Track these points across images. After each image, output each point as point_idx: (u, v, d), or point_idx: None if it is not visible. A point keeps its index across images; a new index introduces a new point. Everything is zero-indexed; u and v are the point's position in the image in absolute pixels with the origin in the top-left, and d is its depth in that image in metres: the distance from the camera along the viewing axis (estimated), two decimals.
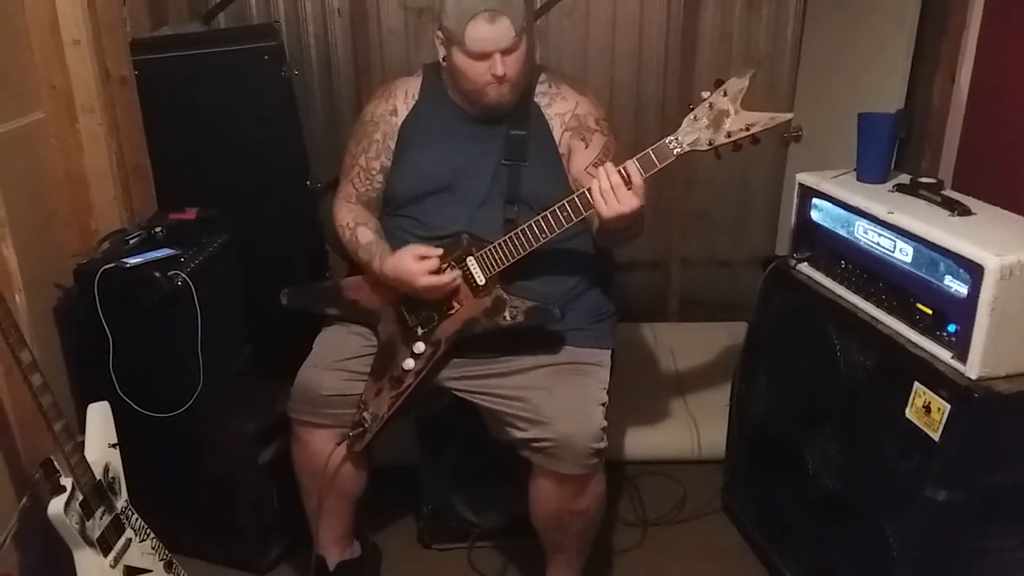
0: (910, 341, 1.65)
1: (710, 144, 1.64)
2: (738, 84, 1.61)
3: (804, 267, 2.01)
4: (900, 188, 1.86)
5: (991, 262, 1.46)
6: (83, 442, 1.69)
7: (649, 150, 1.65)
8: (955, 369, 1.54)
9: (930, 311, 1.62)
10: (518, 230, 1.77)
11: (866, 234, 1.80)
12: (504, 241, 1.78)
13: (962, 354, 1.53)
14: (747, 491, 2.27)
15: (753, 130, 1.62)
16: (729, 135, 1.62)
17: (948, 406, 1.51)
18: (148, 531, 1.83)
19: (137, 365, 1.94)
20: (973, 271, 1.50)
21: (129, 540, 1.75)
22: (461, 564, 2.19)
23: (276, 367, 2.05)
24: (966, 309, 1.52)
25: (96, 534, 1.65)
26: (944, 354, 1.57)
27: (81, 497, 1.62)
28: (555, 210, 1.73)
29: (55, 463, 1.61)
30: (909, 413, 1.59)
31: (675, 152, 1.64)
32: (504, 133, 1.89)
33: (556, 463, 1.77)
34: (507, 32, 1.75)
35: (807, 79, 2.84)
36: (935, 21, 2.11)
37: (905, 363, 1.63)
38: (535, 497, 1.87)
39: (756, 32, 2.94)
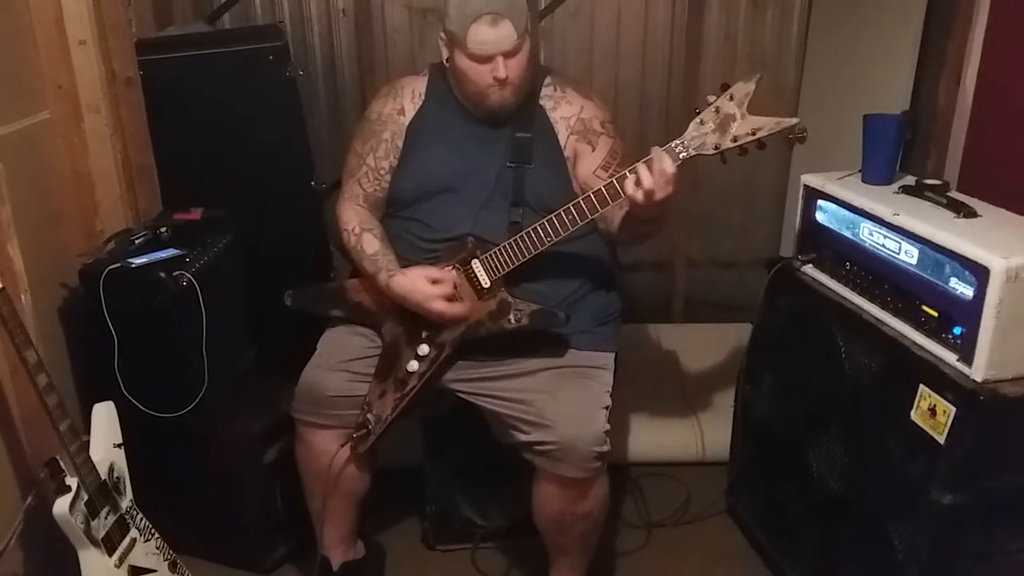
0: (915, 343, 1.65)
1: (716, 148, 1.63)
2: (744, 88, 1.60)
3: (809, 268, 2.01)
4: (905, 190, 1.85)
5: (997, 264, 1.46)
6: (88, 442, 1.70)
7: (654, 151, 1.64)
8: (961, 372, 1.54)
9: (936, 313, 1.61)
10: (524, 232, 1.76)
11: (871, 236, 1.80)
12: (510, 244, 1.78)
13: (968, 356, 1.53)
14: (751, 493, 2.26)
15: (759, 135, 1.61)
16: (735, 139, 1.62)
17: (954, 409, 1.51)
18: (153, 531, 1.84)
19: (142, 365, 1.95)
20: (979, 273, 1.50)
21: (134, 540, 1.75)
22: (465, 565, 2.19)
23: (280, 367, 2.05)
24: (972, 311, 1.51)
25: (101, 534, 1.65)
26: (950, 356, 1.57)
27: (86, 497, 1.62)
28: (561, 213, 1.73)
29: (60, 463, 1.61)
30: (914, 416, 1.59)
31: (681, 156, 1.64)
32: (509, 135, 1.89)
33: (559, 466, 1.77)
34: (510, 35, 1.75)
35: (812, 80, 2.83)
36: (941, 22, 2.10)
37: (910, 365, 1.62)
38: (538, 500, 1.87)
39: (761, 33, 2.93)
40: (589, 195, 1.70)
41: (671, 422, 2.61)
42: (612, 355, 1.96)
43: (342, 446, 1.92)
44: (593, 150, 1.89)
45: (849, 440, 1.81)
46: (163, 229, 2.06)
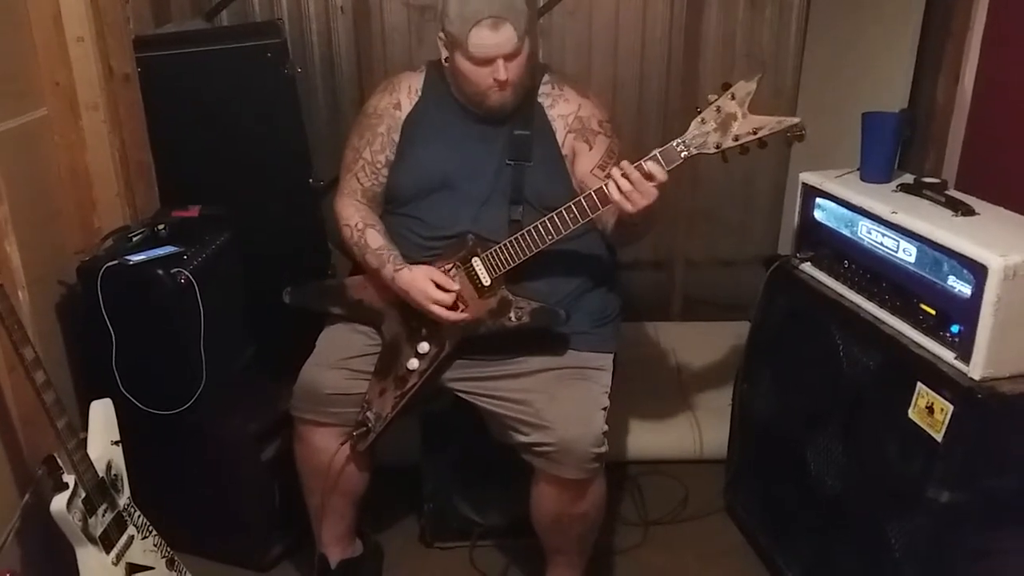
0: (913, 341, 1.65)
1: (717, 147, 1.63)
2: (746, 88, 1.61)
3: (807, 267, 2.01)
4: (904, 188, 1.85)
5: (995, 262, 1.46)
6: (86, 439, 1.70)
7: (656, 152, 1.64)
8: (958, 370, 1.54)
9: (933, 311, 1.61)
10: (525, 231, 1.76)
11: (869, 234, 1.80)
12: (510, 242, 1.78)
13: (965, 355, 1.53)
14: (749, 491, 2.27)
15: (760, 134, 1.61)
16: (736, 139, 1.62)
17: (951, 407, 1.51)
18: (150, 528, 1.83)
19: (140, 362, 1.95)
20: (977, 271, 1.50)
21: (131, 537, 1.75)
22: (463, 563, 2.19)
23: (279, 365, 2.05)
24: (970, 309, 1.51)
25: (98, 531, 1.65)
26: (947, 355, 1.57)
27: (84, 494, 1.62)
28: (562, 211, 1.73)
29: (58, 460, 1.61)
30: (912, 414, 1.59)
31: (682, 155, 1.64)
32: (508, 133, 1.89)
33: (557, 467, 1.77)
34: (510, 38, 1.75)
35: (810, 78, 2.84)
36: (939, 21, 2.10)
37: (908, 364, 1.63)
38: (536, 500, 1.87)
39: (759, 31, 2.94)
40: (590, 193, 1.70)
41: (669, 420, 2.61)
42: (611, 356, 1.96)
43: (342, 444, 1.92)
44: (590, 149, 1.89)
45: (847, 438, 1.81)
46: (161, 226, 2.06)
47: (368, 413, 1.88)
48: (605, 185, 1.67)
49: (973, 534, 1.58)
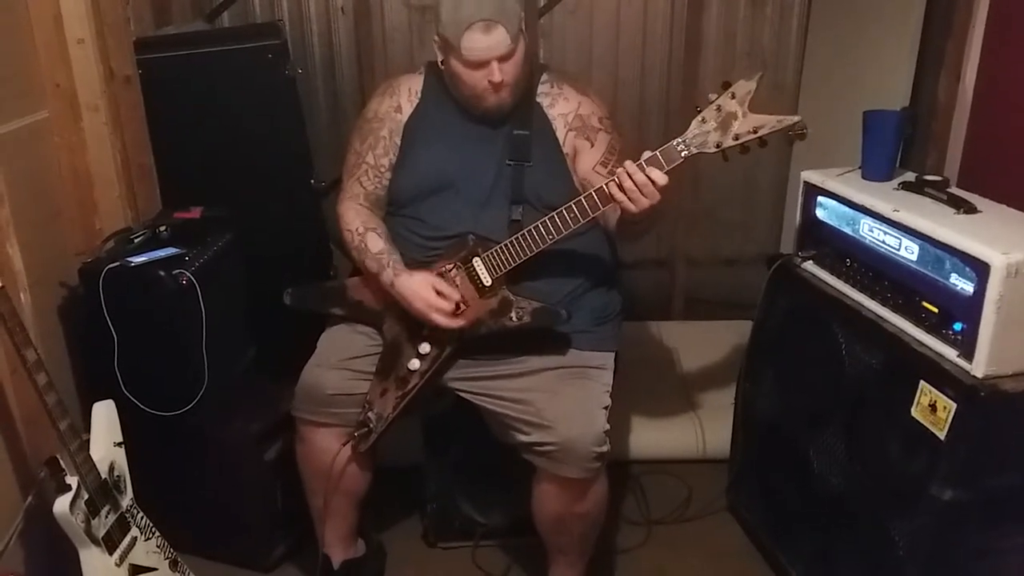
0: (916, 340, 1.65)
1: (717, 147, 1.63)
2: (746, 87, 1.60)
3: (809, 265, 2.01)
4: (905, 186, 1.85)
5: (997, 260, 1.46)
6: (88, 440, 1.70)
7: (656, 152, 1.64)
8: (961, 368, 1.54)
9: (936, 309, 1.61)
10: (525, 231, 1.76)
11: (871, 232, 1.80)
12: (511, 242, 1.78)
13: (968, 353, 1.53)
14: (752, 490, 2.26)
15: (761, 133, 1.61)
16: (736, 137, 1.62)
17: (954, 405, 1.51)
18: (153, 529, 1.83)
19: (142, 364, 1.95)
20: (979, 269, 1.50)
21: (134, 538, 1.75)
22: (465, 563, 2.19)
23: (280, 366, 2.05)
24: (972, 307, 1.51)
25: (101, 532, 1.65)
26: (950, 352, 1.57)
27: (86, 495, 1.62)
28: (563, 211, 1.73)
29: (60, 461, 1.61)
30: (915, 412, 1.59)
31: (682, 154, 1.64)
32: (507, 133, 1.89)
33: (559, 467, 1.77)
34: (503, 40, 1.75)
35: (811, 77, 2.83)
36: (941, 18, 2.10)
37: (911, 362, 1.62)
38: (537, 500, 1.87)
39: (760, 30, 2.93)
40: (591, 193, 1.70)
41: (671, 419, 2.61)
42: (612, 355, 1.96)
43: (344, 445, 1.92)
44: (592, 146, 1.89)
45: (849, 437, 1.81)
46: (162, 228, 2.06)
47: (369, 414, 1.88)
48: (606, 185, 1.67)
49: (976, 532, 1.58)
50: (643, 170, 1.62)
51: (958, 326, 1.56)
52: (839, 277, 1.90)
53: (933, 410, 1.55)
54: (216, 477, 2.08)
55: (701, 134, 1.63)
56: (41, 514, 1.72)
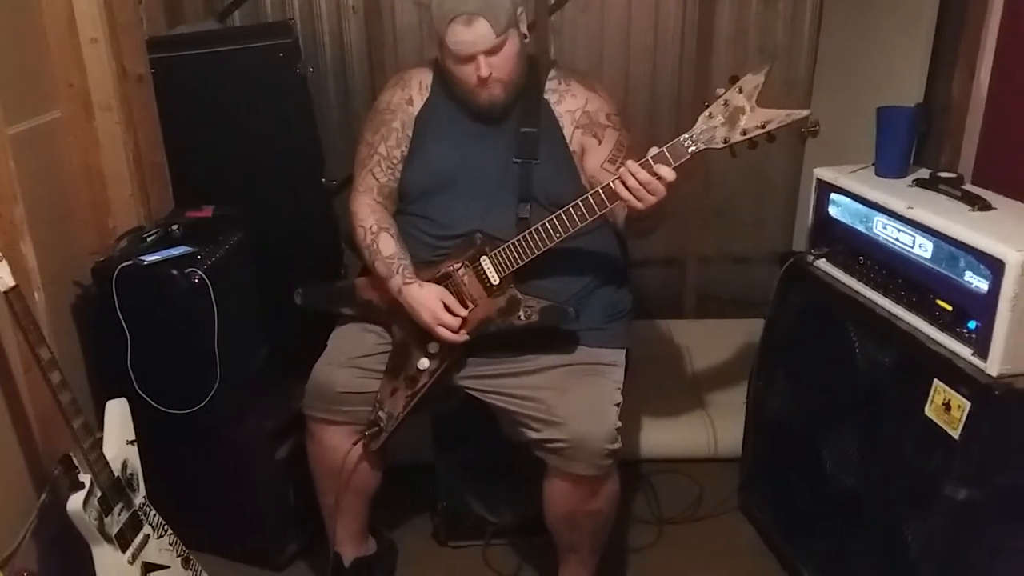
0: (930, 338, 1.64)
1: (725, 142, 1.62)
2: (753, 80, 1.59)
3: (822, 263, 2.00)
4: (919, 183, 1.84)
5: (1012, 257, 1.44)
6: (101, 439, 1.71)
7: (664, 148, 1.63)
8: (975, 366, 1.52)
9: (950, 307, 1.60)
10: (532, 229, 1.76)
11: (885, 229, 1.78)
12: (518, 240, 1.78)
13: (982, 351, 1.51)
14: (764, 489, 2.25)
15: (769, 127, 1.59)
16: (745, 132, 1.60)
17: (968, 404, 1.49)
18: (166, 527, 1.84)
19: (155, 362, 1.96)
20: (994, 267, 1.48)
21: (147, 536, 1.76)
22: (476, 561, 2.19)
23: (292, 364, 2.06)
24: (987, 305, 1.50)
25: (114, 530, 1.66)
26: (964, 351, 1.56)
27: (100, 493, 1.63)
28: (570, 209, 1.72)
29: (74, 459, 1.62)
30: (928, 411, 1.58)
31: (690, 151, 1.63)
32: (514, 130, 1.88)
33: (570, 464, 1.77)
34: (486, 34, 1.74)
35: (824, 73, 2.81)
36: (955, 14, 2.08)
37: (925, 360, 1.61)
38: (549, 497, 1.87)
39: (773, 26, 2.91)
40: (598, 190, 1.69)
41: (683, 418, 2.61)
42: (623, 352, 1.96)
43: (354, 444, 1.92)
44: (600, 143, 1.88)
45: (863, 436, 1.80)
46: (175, 227, 2.07)
47: (380, 413, 1.88)
48: (613, 182, 1.66)
49: (990, 532, 1.57)
50: (649, 167, 1.61)
51: (972, 324, 1.54)
52: (852, 275, 1.89)
53: (947, 409, 1.53)
54: (228, 475, 2.09)
55: (708, 129, 1.62)
56: (55, 511, 1.73)
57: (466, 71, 1.79)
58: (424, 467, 2.24)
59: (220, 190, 2.25)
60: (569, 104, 1.91)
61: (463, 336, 1.82)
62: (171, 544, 1.84)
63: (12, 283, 1.54)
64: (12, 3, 1.83)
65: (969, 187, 1.78)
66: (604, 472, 1.78)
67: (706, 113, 1.62)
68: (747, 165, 3.03)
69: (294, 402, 2.02)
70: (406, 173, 1.94)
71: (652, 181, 1.61)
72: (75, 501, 1.57)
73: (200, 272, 1.92)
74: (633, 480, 2.43)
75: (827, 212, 1.98)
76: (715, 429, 2.55)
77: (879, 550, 1.74)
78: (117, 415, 1.76)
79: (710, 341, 2.93)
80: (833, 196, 1.96)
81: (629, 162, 1.63)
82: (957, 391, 1.52)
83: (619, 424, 1.77)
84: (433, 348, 1.87)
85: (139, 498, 1.78)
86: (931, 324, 1.64)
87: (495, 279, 1.83)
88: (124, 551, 1.68)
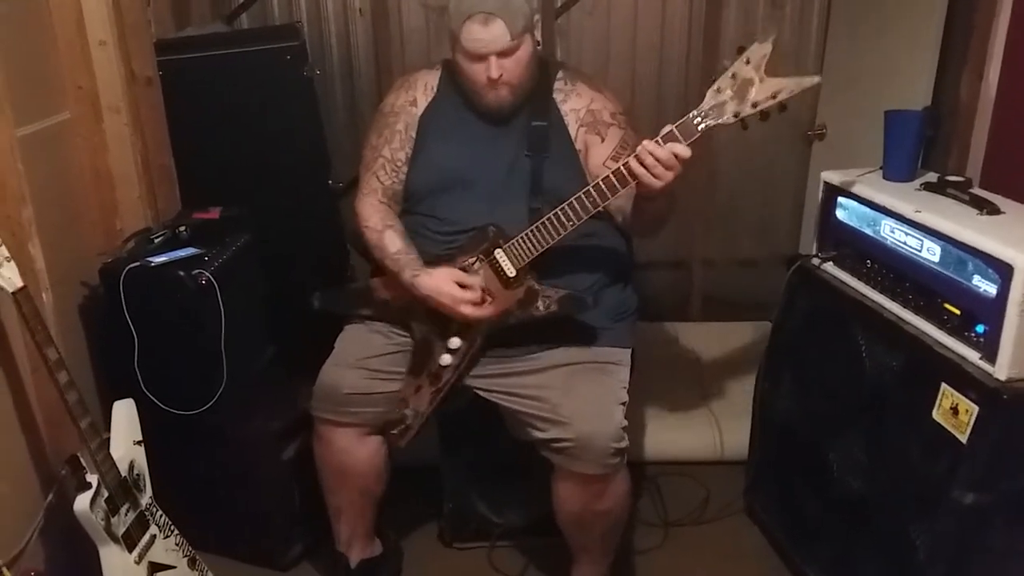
0: (937, 342, 1.63)
1: (736, 116, 1.58)
2: (761, 50, 1.55)
3: (829, 266, 1.99)
4: (927, 187, 1.84)
5: (1021, 261, 1.44)
6: (108, 439, 1.71)
7: (673, 127, 1.60)
8: (983, 370, 1.52)
9: (958, 311, 1.59)
10: (545, 219, 1.75)
11: (893, 233, 1.78)
12: (532, 231, 1.77)
13: (991, 355, 1.51)
14: (770, 492, 2.25)
15: (780, 97, 1.55)
16: (755, 104, 1.56)
17: (976, 408, 1.49)
18: (172, 528, 1.85)
19: (161, 363, 1.96)
20: (1002, 271, 1.48)
21: (153, 536, 1.77)
22: (482, 563, 2.19)
23: (298, 365, 2.06)
24: (995, 309, 1.49)
25: (121, 530, 1.67)
26: (972, 355, 1.55)
27: (106, 494, 1.63)
28: (581, 196, 1.70)
29: (81, 460, 1.63)
30: (936, 415, 1.57)
31: (699, 128, 1.59)
32: (525, 125, 1.89)
33: (576, 463, 1.77)
34: (502, 35, 1.74)
35: (832, 76, 2.80)
36: (963, 16, 2.08)
37: (932, 364, 1.61)
38: (558, 498, 1.87)
39: (780, 28, 2.91)
40: (609, 175, 1.67)
41: (689, 421, 2.60)
42: (628, 351, 1.96)
43: (382, 445, 1.93)
44: (602, 141, 1.88)
45: (870, 439, 1.79)
46: (182, 228, 2.08)
47: (406, 411, 1.88)
48: (628, 162, 1.63)
49: (998, 536, 1.56)
50: (663, 144, 1.59)
51: (980, 328, 1.54)
52: (859, 278, 1.89)
53: (955, 413, 1.53)
54: (234, 476, 2.10)
55: (718, 105, 1.58)
56: (62, 512, 1.73)
57: (477, 69, 1.79)
58: (430, 468, 2.24)
59: (227, 192, 2.26)
60: (574, 103, 1.91)
61: (488, 310, 1.81)
62: (177, 544, 1.85)
63: (20, 284, 1.55)
64: (21, 5, 1.84)
65: (977, 191, 1.78)
66: (611, 471, 1.78)
67: (714, 88, 1.58)
68: (753, 168, 3.03)
69: (300, 403, 2.02)
70: (412, 173, 1.95)
71: (670, 158, 1.58)
72: (82, 501, 1.58)
73: (207, 273, 1.93)
74: (639, 482, 2.42)
75: (834, 215, 1.98)
76: (721, 432, 2.54)
77: (886, 554, 1.73)
78: (124, 415, 1.77)
79: (716, 344, 2.92)
80: (840, 199, 1.95)
81: (646, 140, 1.61)
82: (965, 395, 1.51)
83: (625, 423, 1.77)
84: (454, 344, 1.87)
85: (146, 498, 1.78)
86: (939, 328, 1.64)
87: (511, 271, 1.82)
88: (131, 551, 1.69)
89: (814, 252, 2.04)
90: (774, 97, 1.56)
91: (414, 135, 1.94)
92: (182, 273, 1.92)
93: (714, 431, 2.55)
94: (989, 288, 1.51)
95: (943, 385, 1.56)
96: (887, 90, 2.33)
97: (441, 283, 1.80)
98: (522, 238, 1.79)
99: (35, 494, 1.78)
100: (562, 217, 1.73)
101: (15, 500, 1.71)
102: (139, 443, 1.79)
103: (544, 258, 1.79)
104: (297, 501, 2.15)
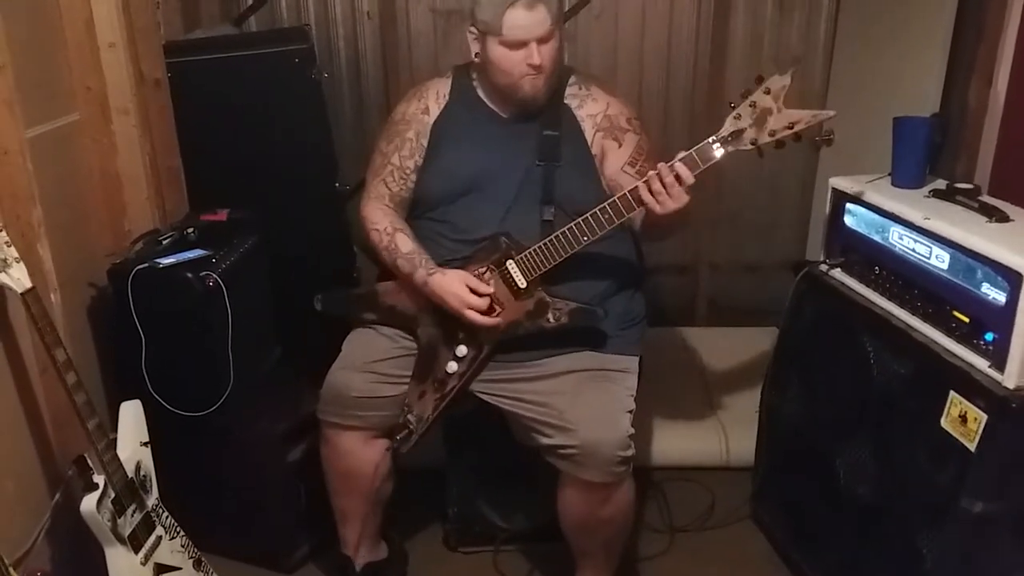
0: (946, 349, 1.62)
1: (753, 144, 1.62)
2: (780, 82, 1.59)
3: (837, 273, 1.99)
4: (936, 194, 1.83)
5: None
6: (115, 440, 1.71)
7: (692, 151, 1.64)
8: (992, 378, 1.51)
9: (967, 319, 1.59)
10: (559, 232, 1.76)
11: (901, 240, 1.77)
12: (545, 244, 1.78)
13: (999, 363, 1.50)
14: (776, 499, 2.24)
15: (796, 128, 1.60)
16: (772, 133, 1.61)
17: (985, 416, 1.48)
18: (178, 529, 1.85)
19: (169, 364, 1.97)
20: (1011, 278, 1.47)
21: (159, 538, 1.77)
22: (486, 568, 2.19)
23: (305, 367, 2.06)
24: (1004, 317, 1.49)
25: (127, 531, 1.67)
26: (981, 363, 1.55)
27: (113, 494, 1.64)
28: (596, 212, 1.72)
29: (88, 460, 1.63)
30: (944, 423, 1.57)
31: (718, 153, 1.63)
32: (536, 134, 1.89)
33: (582, 470, 1.76)
34: (544, 19, 1.76)
35: (840, 82, 2.81)
36: (972, 23, 2.07)
37: (941, 372, 1.60)
38: (563, 504, 1.86)
39: (787, 35, 2.91)
40: (625, 194, 1.69)
41: (695, 426, 2.60)
42: (636, 359, 1.95)
43: (387, 450, 1.93)
44: (620, 146, 1.89)
45: (877, 447, 1.78)
46: (190, 230, 2.08)
47: (409, 416, 1.88)
48: (640, 185, 1.66)
49: (1006, 545, 1.55)
50: (671, 170, 1.62)
51: (989, 336, 1.53)
52: (868, 285, 1.88)
53: (963, 421, 1.52)
54: (240, 477, 2.10)
55: (736, 131, 1.62)
56: (68, 512, 1.74)
57: (515, 58, 1.79)
58: (435, 472, 2.24)
59: (235, 194, 2.27)
60: (591, 108, 1.92)
61: (495, 320, 1.81)
62: (183, 546, 1.85)
63: (29, 284, 1.55)
64: (31, 7, 1.85)
65: (986, 198, 1.77)
66: (617, 479, 1.78)
67: (733, 115, 1.62)
68: (760, 174, 3.03)
69: (306, 405, 2.02)
70: (424, 180, 1.95)
71: (674, 185, 1.62)
72: (89, 502, 1.58)
73: (215, 275, 1.93)
74: (645, 488, 2.41)
75: (842, 222, 1.97)
76: (727, 437, 2.54)
77: (893, 562, 1.72)
78: (131, 416, 1.77)
79: (722, 349, 2.92)
80: (849, 206, 1.95)
81: (661, 164, 1.64)
82: (974, 403, 1.51)
83: (632, 431, 1.77)
84: (461, 351, 1.87)
85: (152, 499, 1.78)
86: (947, 336, 1.63)
87: (522, 283, 1.82)
88: (137, 552, 1.69)
89: (822, 258, 2.04)
90: (791, 127, 1.60)
91: (425, 143, 1.94)
92: (190, 275, 1.92)
93: (720, 437, 2.54)
94: (998, 296, 1.51)
95: (951, 393, 1.55)
96: (895, 96, 2.33)
97: (452, 284, 1.80)
98: (534, 250, 1.79)
99: (42, 494, 1.78)
100: (576, 232, 1.74)
101: (22, 500, 1.71)
102: (146, 444, 1.79)
103: (561, 264, 1.79)
104: (303, 503, 2.15)
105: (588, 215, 1.73)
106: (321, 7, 2.89)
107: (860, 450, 1.83)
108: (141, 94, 2.15)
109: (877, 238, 1.85)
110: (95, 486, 1.60)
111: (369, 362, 1.92)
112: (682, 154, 1.64)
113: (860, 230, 1.92)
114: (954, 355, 1.60)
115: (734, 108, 1.62)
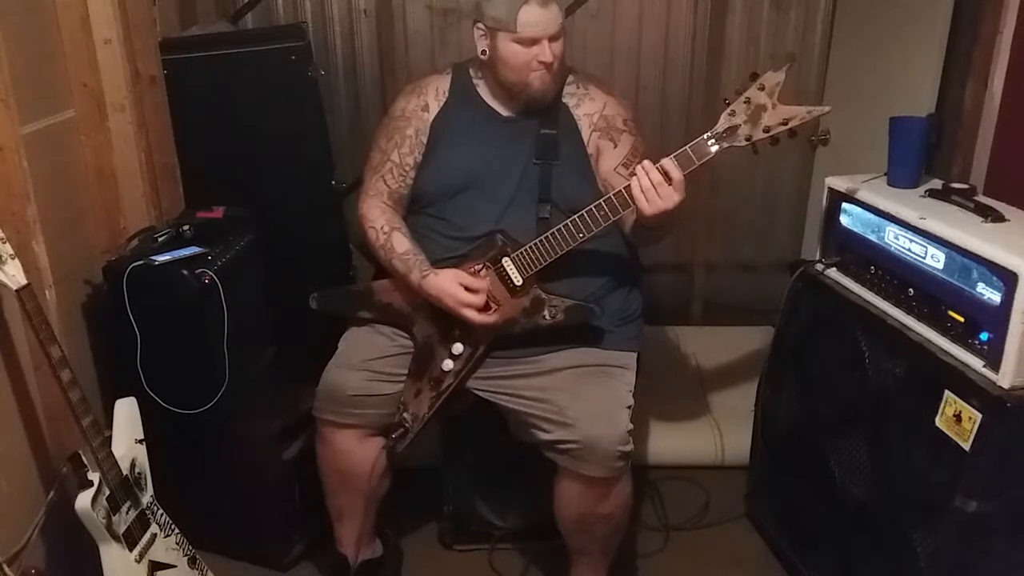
0: (941, 349, 1.63)
1: (748, 140, 1.63)
2: (775, 78, 1.60)
3: (832, 272, 1.99)
4: (932, 193, 1.84)
5: None
6: (110, 437, 1.71)
7: (687, 148, 1.64)
8: (987, 378, 1.52)
9: (962, 319, 1.59)
10: (554, 230, 1.76)
11: (897, 240, 1.78)
12: (540, 241, 1.78)
13: (994, 363, 1.51)
14: (771, 498, 2.25)
15: (791, 124, 1.61)
16: (767, 130, 1.61)
17: (979, 415, 1.49)
18: (173, 526, 1.85)
19: (164, 362, 1.96)
20: (1006, 278, 1.48)
21: (154, 535, 1.77)
22: (482, 566, 2.19)
23: (300, 365, 2.06)
24: (999, 317, 1.49)
25: (122, 529, 1.67)
26: (976, 362, 1.55)
27: (108, 492, 1.63)
28: (592, 209, 1.72)
29: (83, 458, 1.62)
30: (939, 422, 1.57)
31: (713, 149, 1.63)
32: (534, 132, 1.89)
33: (581, 465, 1.77)
34: (557, 17, 1.78)
35: (836, 82, 2.81)
36: (968, 23, 2.08)
37: (936, 371, 1.61)
38: (560, 499, 1.87)
39: (784, 34, 2.92)
40: (621, 190, 1.70)
41: (690, 425, 2.60)
42: (634, 355, 1.96)
43: (383, 448, 1.93)
44: (615, 147, 1.89)
45: (872, 446, 1.79)
46: (186, 227, 2.07)
47: (405, 414, 1.88)
48: (631, 184, 1.66)
49: (1000, 545, 1.56)
50: (661, 168, 1.62)
51: (984, 336, 1.54)
52: (863, 285, 1.89)
53: (958, 420, 1.53)
54: (235, 475, 2.09)
55: (731, 128, 1.62)
56: (63, 509, 1.73)
57: (526, 56, 1.79)
58: (431, 470, 2.24)
59: (231, 191, 2.25)
60: (588, 107, 1.92)
61: (491, 317, 1.81)
62: (178, 543, 1.85)
63: (24, 281, 1.54)
64: (27, 3, 1.84)
65: (981, 198, 1.77)
66: (615, 474, 1.78)
67: (728, 111, 1.63)
68: (756, 173, 3.03)
69: (302, 403, 2.02)
70: (423, 176, 1.95)
71: (663, 183, 1.62)
72: (83, 499, 1.58)
73: (210, 273, 1.93)
74: (640, 486, 2.40)
75: (838, 221, 1.98)
76: (722, 436, 2.54)
77: (887, 561, 1.73)
78: (126, 414, 1.77)
79: (718, 348, 2.92)
80: (845, 205, 1.95)
81: (645, 161, 1.64)
82: (968, 403, 1.51)
83: (631, 426, 1.78)
84: (457, 349, 1.87)
85: (147, 497, 1.78)
86: (942, 335, 1.64)
87: (519, 280, 1.83)
88: (131, 550, 1.68)
89: (817, 257, 2.04)
90: (785, 123, 1.61)
91: (424, 140, 1.94)
92: (185, 272, 1.91)
93: (715, 435, 2.55)
94: (993, 296, 1.51)
95: (946, 392, 1.56)
96: (891, 96, 2.33)
97: (446, 284, 1.80)
98: (530, 248, 1.80)
99: (36, 491, 1.78)
100: (571, 229, 1.75)
101: (16, 497, 1.71)
102: (141, 441, 1.78)
103: (557, 259, 1.80)
104: (297, 501, 2.15)
105: (583, 212, 1.73)
106: (318, 4, 2.89)
107: (855, 449, 1.84)
108: (137, 91, 2.14)
109: (873, 238, 1.86)
110: (90, 483, 1.60)
111: (365, 360, 1.92)
112: (677, 152, 1.64)
113: (856, 230, 1.92)
114: (949, 355, 1.61)
115: (729, 104, 1.63)
